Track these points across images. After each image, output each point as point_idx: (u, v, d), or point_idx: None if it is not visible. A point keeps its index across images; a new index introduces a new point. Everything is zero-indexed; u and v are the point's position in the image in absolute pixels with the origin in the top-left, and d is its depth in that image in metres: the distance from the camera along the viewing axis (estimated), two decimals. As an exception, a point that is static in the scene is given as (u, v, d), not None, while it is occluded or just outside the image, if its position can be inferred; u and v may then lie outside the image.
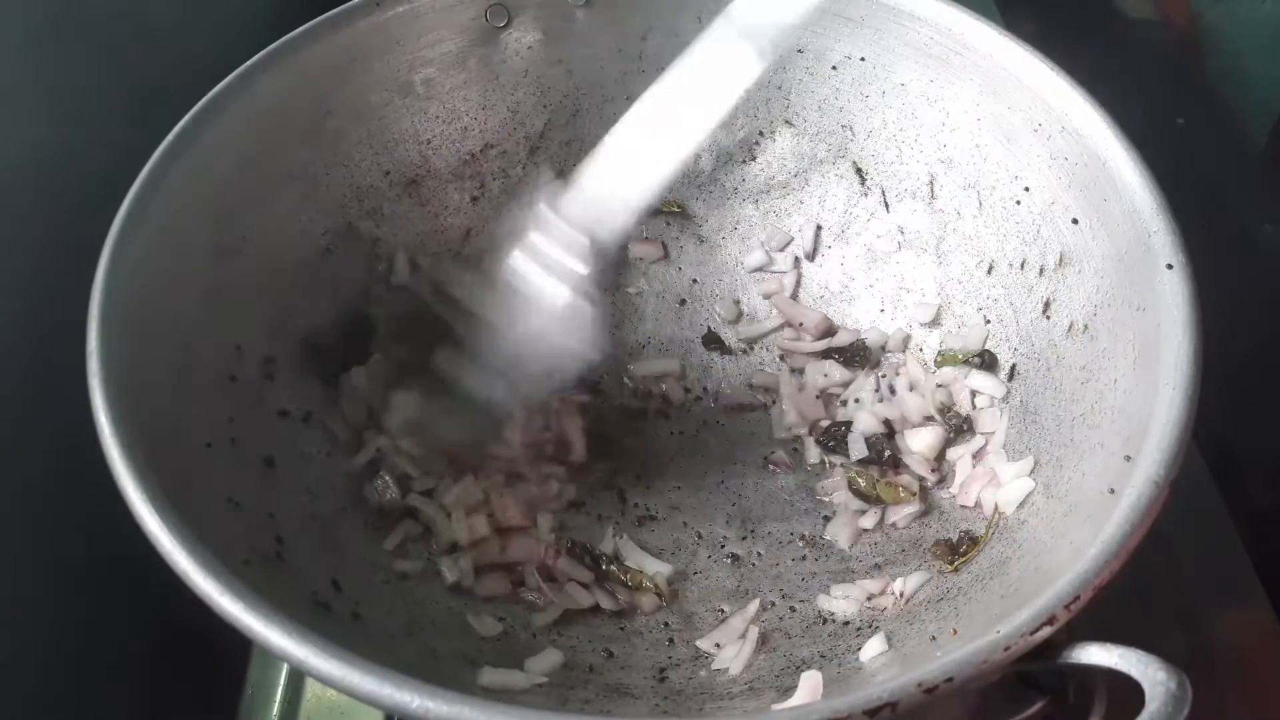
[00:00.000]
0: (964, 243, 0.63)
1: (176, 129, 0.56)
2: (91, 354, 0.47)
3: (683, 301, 0.72)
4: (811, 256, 0.70)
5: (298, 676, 0.59)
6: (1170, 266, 0.48)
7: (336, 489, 0.58)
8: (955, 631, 0.45)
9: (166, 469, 0.46)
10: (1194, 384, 0.44)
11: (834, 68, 0.67)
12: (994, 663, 0.37)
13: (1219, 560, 0.63)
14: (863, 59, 0.65)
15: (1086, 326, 0.54)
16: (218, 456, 0.52)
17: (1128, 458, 0.43)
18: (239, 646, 0.59)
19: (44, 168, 0.61)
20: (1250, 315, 0.68)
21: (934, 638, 0.47)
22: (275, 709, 0.59)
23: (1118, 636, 0.56)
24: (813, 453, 0.64)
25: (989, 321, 0.62)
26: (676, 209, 0.72)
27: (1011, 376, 0.59)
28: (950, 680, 0.37)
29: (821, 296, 0.70)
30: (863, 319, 0.68)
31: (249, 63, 0.59)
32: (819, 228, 0.70)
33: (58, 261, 0.56)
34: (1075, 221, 0.55)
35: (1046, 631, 0.38)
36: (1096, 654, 0.39)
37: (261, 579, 0.46)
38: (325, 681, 0.39)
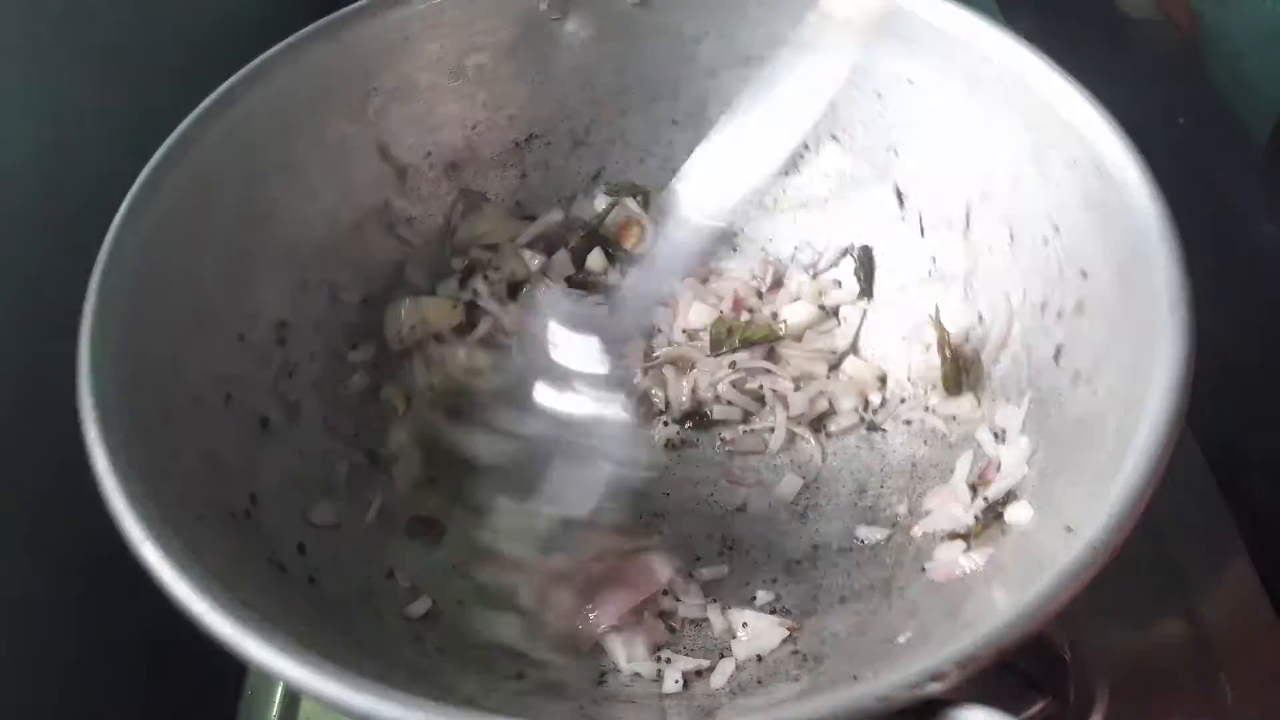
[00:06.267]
0: (992, 278, 0.61)
1: (219, 90, 0.58)
2: (91, 290, 0.49)
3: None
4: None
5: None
6: (1172, 322, 0.45)
7: (330, 454, 0.60)
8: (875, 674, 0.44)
9: (142, 413, 0.48)
10: (1161, 453, 0.41)
11: (883, 86, 0.64)
12: (866, 710, 0.36)
13: (1218, 559, 0.60)
14: (911, 81, 0.63)
15: (1090, 378, 0.51)
16: (207, 411, 0.54)
17: (1068, 529, 0.41)
18: None
19: (44, 168, 0.62)
20: (1250, 315, 0.64)
21: (855, 676, 0.45)
22: (274, 710, 0.59)
23: (1118, 636, 0.56)
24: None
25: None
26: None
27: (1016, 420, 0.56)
28: (815, 724, 0.35)
29: (846, 318, 0.68)
30: (880, 346, 0.66)
31: (300, 33, 0.61)
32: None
33: (57, 262, 0.56)
34: (1090, 273, 0.52)
35: (934, 687, 0.36)
36: (980, 718, 0.36)
37: (214, 533, 0.48)
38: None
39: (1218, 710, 0.54)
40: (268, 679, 0.60)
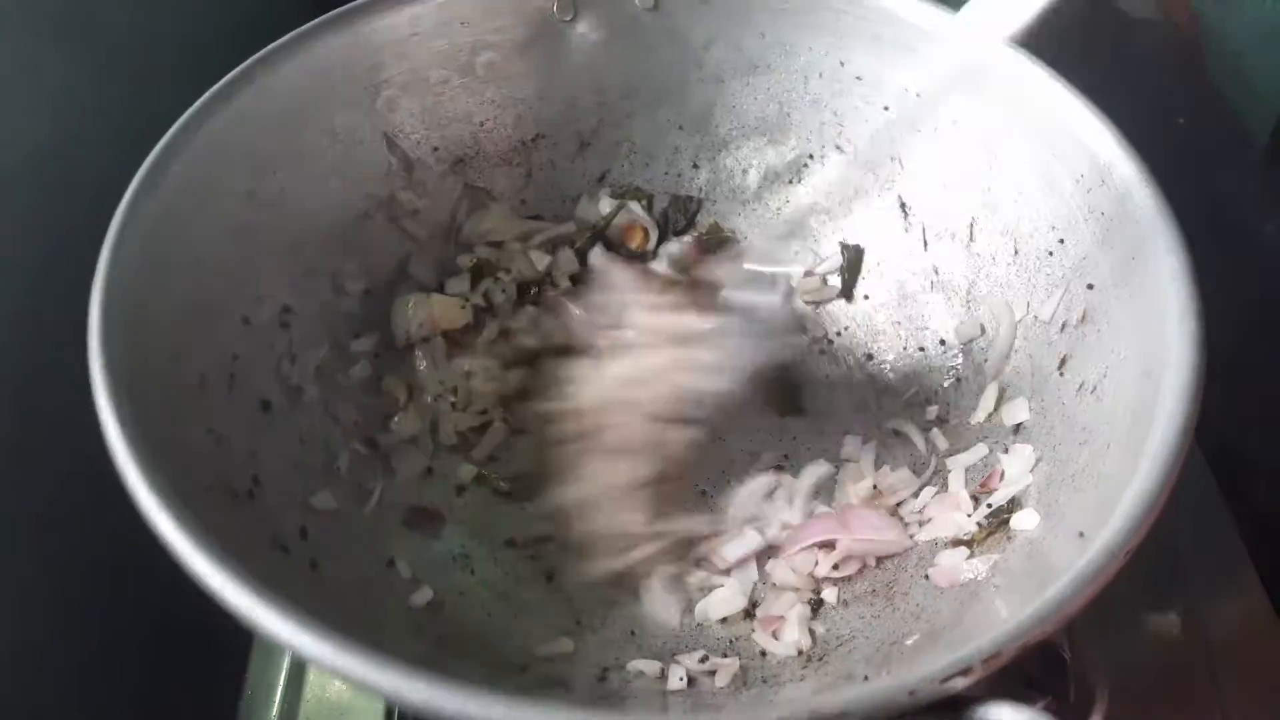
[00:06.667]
0: (995, 289, 0.62)
1: (229, 76, 0.58)
2: (99, 270, 0.49)
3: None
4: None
5: (297, 676, 0.59)
6: (1181, 332, 0.46)
7: (330, 441, 0.59)
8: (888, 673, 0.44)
9: (151, 390, 0.47)
10: (1175, 459, 0.42)
11: (891, 98, 0.65)
12: (896, 704, 0.36)
13: (1219, 560, 0.61)
14: (918, 94, 0.64)
15: (1095, 388, 0.52)
16: (212, 391, 0.53)
17: (1081, 534, 0.41)
18: (238, 646, 0.60)
19: (44, 168, 0.62)
20: (1250, 315, 0.65)
21: (866, 677, 0.45)
22: (274, 709, 0.59)
23: (1118, 636, 0.56)
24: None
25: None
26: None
27: (1018, 431, 0.57)
28: (844, 715, 0.35)
29: (847, 327, 0.68)
30: (886, 356, 0.66)
31: (312, 22, 0.61)
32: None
33: (58, 262, 0.56)
34: (1096, 285, 0.54)
35: (960, 682, 0.37)
36: (1008, 715, 0.37)
37: (220, 511, 0.48)
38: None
39: (1217, 710, 0.55)
40: (267, 679, 0.59)
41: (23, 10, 0.63)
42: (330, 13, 0.62)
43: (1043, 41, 0.55)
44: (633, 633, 0.55)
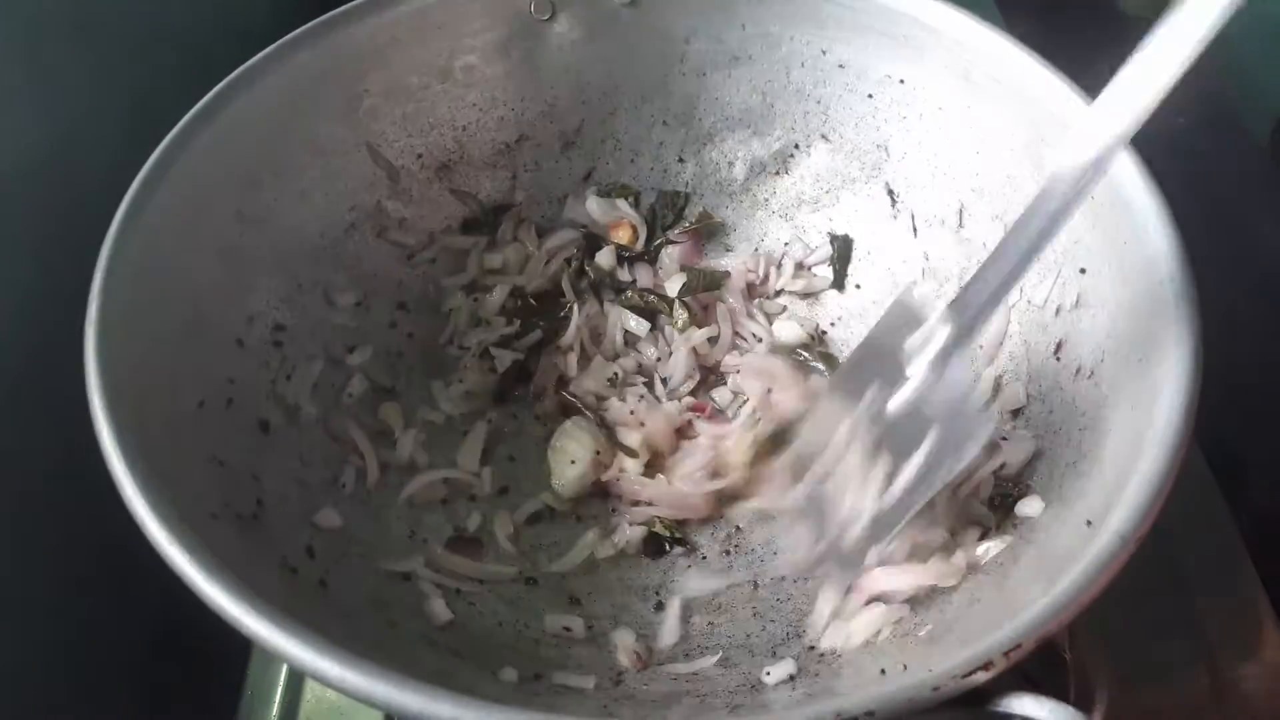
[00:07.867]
0: (987, 275, 0.62)
1: (210, 94, 0.57)
2: (92, 300, 0.48)
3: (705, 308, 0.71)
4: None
5: (297, 677, 0.59)
6: (1177, 319, 0.46)
7: (330, 458, 0.59)
8: (905, 666, 0.44)
9: (151, 419, 0.47)
10: (1180, 441, 0.42)
11: (874, 86, 0.65)
12: (920, 701, 0.36)
13: (1219, 560, 0.62)
14: (902, 80, 0.64)
15: (1093, 372, 0.52)
16: (210, 415, 0.53)
17: (1089, 523, 0.42)
18: (239, 647, 0.60)
19: (44, 168, 0.61)
20: (1250, 315, 0.66)
21: (883, 670, 0.46)
22: (275, 709, 0.59)
23: (1119, 636, 0.56)
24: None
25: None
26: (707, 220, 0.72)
27: (1016, 416, 0.57)
28: (871, 714, 0.36)
29: (840, 318, 0.69)
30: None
31: (289, 36, 0.60)
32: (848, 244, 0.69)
33: (57, 261, 0.56)
34: (1089, 269, 0.54)
35: (981, 676, 0.37)
36: (1030, 706, 0.37)
37: (228, 536, 0.48)
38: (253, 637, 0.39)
39: (1217, 710, 0.55)
40: (267, 679, 0.59)
41: (23, 10, 0.62)
42: (305, 26, 0.61)
43: (1042, 40, 0.56)
44: (641, 635, 0.55)
